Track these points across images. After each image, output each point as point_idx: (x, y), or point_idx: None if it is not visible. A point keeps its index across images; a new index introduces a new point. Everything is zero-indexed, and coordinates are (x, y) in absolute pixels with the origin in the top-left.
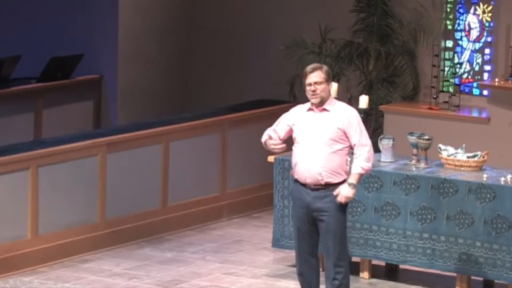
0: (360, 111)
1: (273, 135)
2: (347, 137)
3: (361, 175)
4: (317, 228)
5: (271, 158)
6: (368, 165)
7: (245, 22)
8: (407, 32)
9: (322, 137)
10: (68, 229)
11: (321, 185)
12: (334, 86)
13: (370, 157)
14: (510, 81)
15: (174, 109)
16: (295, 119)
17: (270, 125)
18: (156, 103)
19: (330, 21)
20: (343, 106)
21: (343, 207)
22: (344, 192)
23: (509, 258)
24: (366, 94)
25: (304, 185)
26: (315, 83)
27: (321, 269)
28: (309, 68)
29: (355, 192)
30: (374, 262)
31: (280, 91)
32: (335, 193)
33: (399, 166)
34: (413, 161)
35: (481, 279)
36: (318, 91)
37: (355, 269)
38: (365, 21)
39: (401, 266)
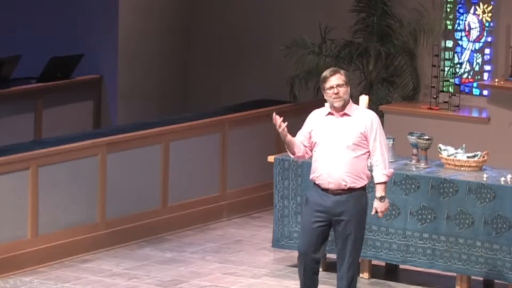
0: None
1: (297, 143)
2: (367, 142)
3: (386, 183)
4: (329, 232)
5: (271, 158)
6: (390, 171)
7: (245, 22)
8: (407, 32)
9: (345, 142)
10: (68, 229)
11: (344, 190)
12: None
13: (385, 160)
14: (510, 81)
15: (174, 109)
16: (313, 125)
17: (270, 125)
18: (156, 103)
19: (330, 21)
20: (363, 110)
21: (364, 212)
22: (380, 207)
23: (509, 258)
24: (366, 94)
25: (325, 190)
26: (338, 85)
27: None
28: (328, 72)
29: (388, 200)
30: (374, 262)
31: (280, 91)
32: (372, 213)
33: (399, 166)
34: (413, 161)
35: (481, 279)
36: (341, 94)
37: None
38: (365, 21)
39: (401, 266)
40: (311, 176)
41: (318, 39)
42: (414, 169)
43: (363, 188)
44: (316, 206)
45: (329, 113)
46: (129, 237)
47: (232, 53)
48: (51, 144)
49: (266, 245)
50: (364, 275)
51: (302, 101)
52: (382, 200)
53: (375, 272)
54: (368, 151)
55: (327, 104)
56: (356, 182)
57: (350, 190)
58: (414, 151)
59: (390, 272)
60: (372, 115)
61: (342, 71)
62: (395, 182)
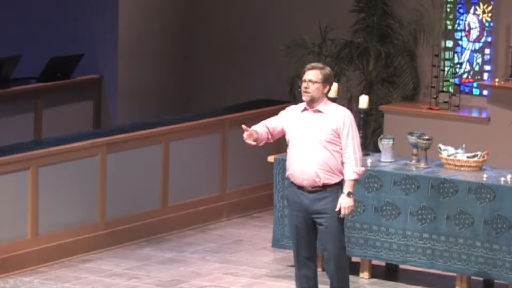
0: (360, 111)
1: (259, 129)
2: (340, 139)
3: (356, 180)
4: (315, 231)
5: (271, 158)
6: (360, 169)
7: (245, 22)
8: (407, 32)
9: (316, 138)
10: (68, 229)
11: (319, 186)
12: (334, 86)
13: (357, 159)
14: (510, 81)
15: (174, 109)
16: (289, 120)
17: None
18: (156, 103)
19: (330, 21)
20: (337, 108)
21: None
22: (345, 203)
23: (509, 258)
24: (366, 94)
25: (301, 187)
26: (310, 80)
27: (319, 269)
28: (309, 65)
29: (354, 198)
30: (374, 262)
31: (280, 91)
32: (336, 209)
33: (399, 166)
34: (413, 161)
35: (481, 279)
36: (309, 90)
37: (355, 269)
38: (365, 21)
39: (401, 266)
40: (286, 174)
41: (318, 39)
42: (414, 169)
43: (339, 184)
44: (295, 205)
45: (304, 109)
46: (129, 237)
47: (232, 53)
48: (51, 144)
49: (266, 245)
50: (364, 275)
51: (302, 101)
52: (350, 196)
53: (375, 272)
54: (341, 148)
55: (302, 104)
56: (330, 179)
57: (325, 186)
58: (414, 151)
59: (390, 272)
60: (345, 113)
61: (325, 70)
62: (395, 182)
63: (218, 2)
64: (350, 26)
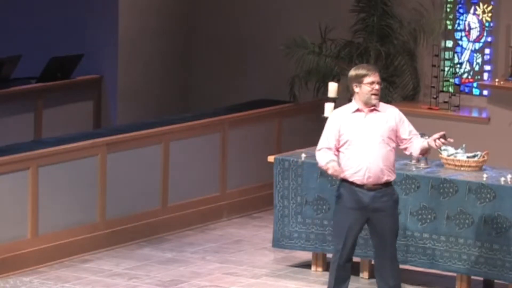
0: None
1: (334, 156)
2: (397, 135)
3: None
4: (361, 230)
5: (271, 158)
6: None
7: (245, 22)
8: (407, 32)
9: (378, 136)
10: (68, 229)
11: (380, 184)
12: (334, 86)
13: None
14: (510, 81)
15: (174, 109)
16: (341, 125)
17: (270, 125)
18: (156, 103)
19: (330, 21)
20: (386, 105)
21: (397, 204)
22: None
23: (509, 258)
24: None
25: (361, 186)
26: (378, 82)
27: (320, 269)
28: (367, 68)
29: None
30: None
31: (280, 91)
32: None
33: (399, 166)
34: (413, 161)
35: (481, 279)
36: (379, 91)
37: (355, 269)
38: (365, 21)
39: (401, 266)
40: (343, 174)
41: (318, 39)
42: (414, 169)
43: (392, 183)
44: (351, 203)
45: (357, 110)
46: (129, 237)
47: (232, 53)
48: (51, 144)
49: (266, 245)
50: (364, 275)
51: (302, 101)
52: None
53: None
54: (395, 146)
55: (348, 105)
56: (390, 175)
57: (386, 184)
58: None
59: None
60: (395, 109)
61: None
62: (395, 182)
63: (218, 2)
64: (350, 26)
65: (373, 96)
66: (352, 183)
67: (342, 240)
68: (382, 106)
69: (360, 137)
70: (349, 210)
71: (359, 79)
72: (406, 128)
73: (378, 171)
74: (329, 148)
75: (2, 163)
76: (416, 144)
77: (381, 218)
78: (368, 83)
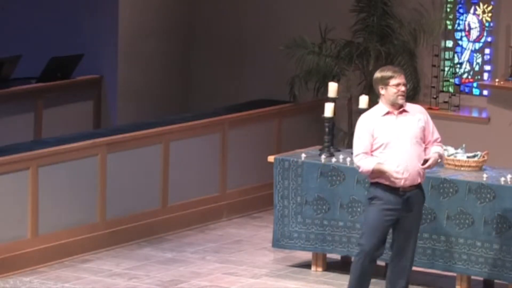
0: (360, 111)
1: (376, 159)
2: (425, 134)
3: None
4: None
5: (271, 158)
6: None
7: (245, 22)
8: (407, 32)
9: (412, 137)
10: (68, 229)
11: (414, 185)
12: (334, 86)
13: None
14: (510, 81)
15: (174, 109)
16: (373, 129)
17: (270, 125)
18: (156, 103)
19: (330, 21)
20: (414, 105)
21: (421, 207)
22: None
23: (509, 258)
24: (366, 94)
25: (396, 188)
26: (404, 84)
27: (320, 269)
28: (393, 70)
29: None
30: None
31: (280, 91)
32: (429, 158)
33: None
34: None
35: (481, 279)
36: (405, 92)
37: None
38: (365, 21)
39: None
40: (376, 177)
41: (318, 39)
42: None
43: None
44: (387, 204)
45: (387, 113)
46: (129, 237)
47: (232, 53)
48: (51, 144)
49: (266, 245)
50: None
51: (302, 101)
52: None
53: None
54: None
55: (375, 108)
56: (423, 176)
57: (419, 185)
58: None
59: None
60: (421, 107)
61: None
62: None
63: (218, 2)
64: (350, 26)
65: (399, 97)
66: (387, 185)
67: (373, 241)
68: (409, 106)
69: (395, 140)
70: (384, 211)
71: (384, 81)
72: (430, 131)
73: (415, 173)
74: (366, 153)
75: (2, 163)
76: (428, 152)
77: (409, 218)
78: (394, 85)
